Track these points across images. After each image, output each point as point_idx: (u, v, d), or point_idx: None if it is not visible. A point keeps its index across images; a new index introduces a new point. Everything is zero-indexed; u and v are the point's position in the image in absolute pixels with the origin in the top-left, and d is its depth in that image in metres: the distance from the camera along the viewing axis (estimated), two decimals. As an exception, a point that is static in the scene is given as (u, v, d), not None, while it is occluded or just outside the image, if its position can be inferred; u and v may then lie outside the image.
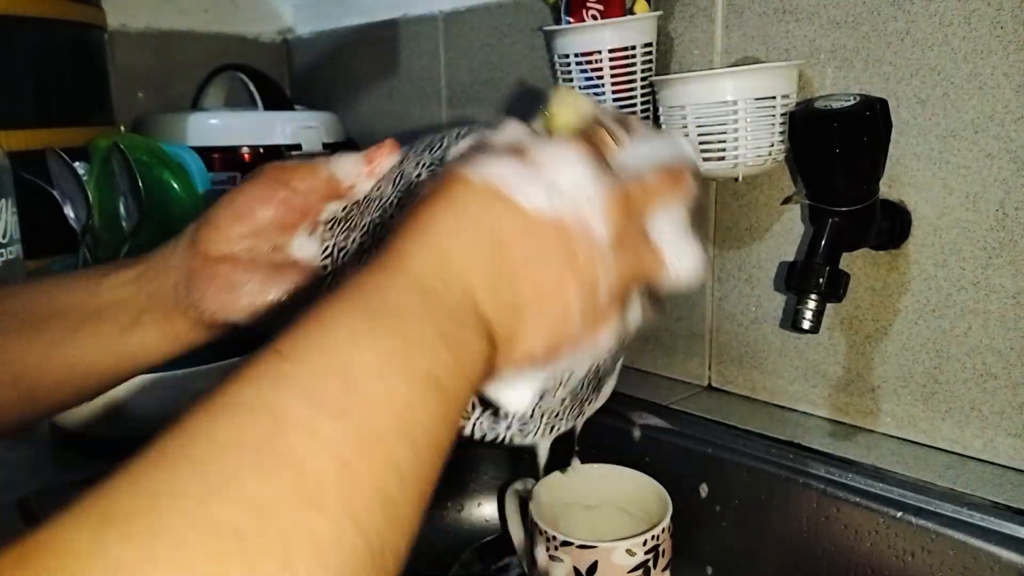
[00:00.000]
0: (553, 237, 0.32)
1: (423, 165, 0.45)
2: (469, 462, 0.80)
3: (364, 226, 0.45)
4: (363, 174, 0.46)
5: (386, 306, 0.28)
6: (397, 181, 0.45)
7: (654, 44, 0.74)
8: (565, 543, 0.55)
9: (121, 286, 0.43)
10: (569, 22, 0.75)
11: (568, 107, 0.41)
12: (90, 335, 0.42)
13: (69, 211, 0.80)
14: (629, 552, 0.55)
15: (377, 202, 0.45)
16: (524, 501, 0.62)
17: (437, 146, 0.46)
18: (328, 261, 0.45)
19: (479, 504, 0.80)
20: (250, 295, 0.43)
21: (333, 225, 0.46)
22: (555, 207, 0.33)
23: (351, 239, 0.45)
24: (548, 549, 0.56)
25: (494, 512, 0.79)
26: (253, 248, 0.44)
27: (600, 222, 0.33)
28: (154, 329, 0.43)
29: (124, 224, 0.82)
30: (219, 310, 0.43)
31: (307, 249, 0.45)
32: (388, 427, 0.25)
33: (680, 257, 0.37)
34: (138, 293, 0.43)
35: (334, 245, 0.45)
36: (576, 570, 0.55)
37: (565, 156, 0.34)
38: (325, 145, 1.07)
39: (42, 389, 0.42)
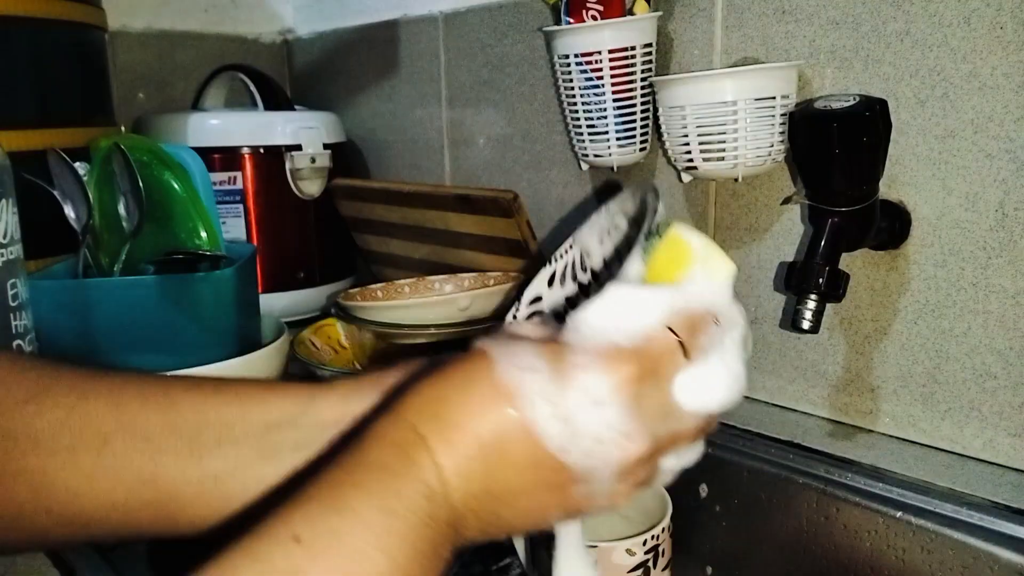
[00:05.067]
0: (551, 476, 0.32)
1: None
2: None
3: None
4: None
5: (399, 501, 0.30)
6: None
7: (654, 44, 0.74)
8: (565, 543, 0.55)
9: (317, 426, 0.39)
10: (569, 22, 0.75)
11: (679, 258, 0.35)
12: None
13: (70, 211, 0.80)
14: (629, 552, 0.55)
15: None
16: (524, 501, 0.62)
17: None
18: None
19: (479, 504, 0.80)
20: None
21: None
22: (565, 448, 0.31)
23: None
24: (548, 549, 0.56)
25: (494, 512, 0.79)
26: None
27: (608, 474, 0.32)
28: None
29: (125, 224, 0.82)
30: None
31: None
32: None
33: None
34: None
35: None
36: (576, 570, 0.55)
37: (601, 387, 0.31)
38: (325, 146, 1.07)
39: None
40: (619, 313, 0.33)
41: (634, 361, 0.32)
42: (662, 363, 0.33)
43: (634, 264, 0.35)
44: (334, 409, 0.39)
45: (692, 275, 0.35)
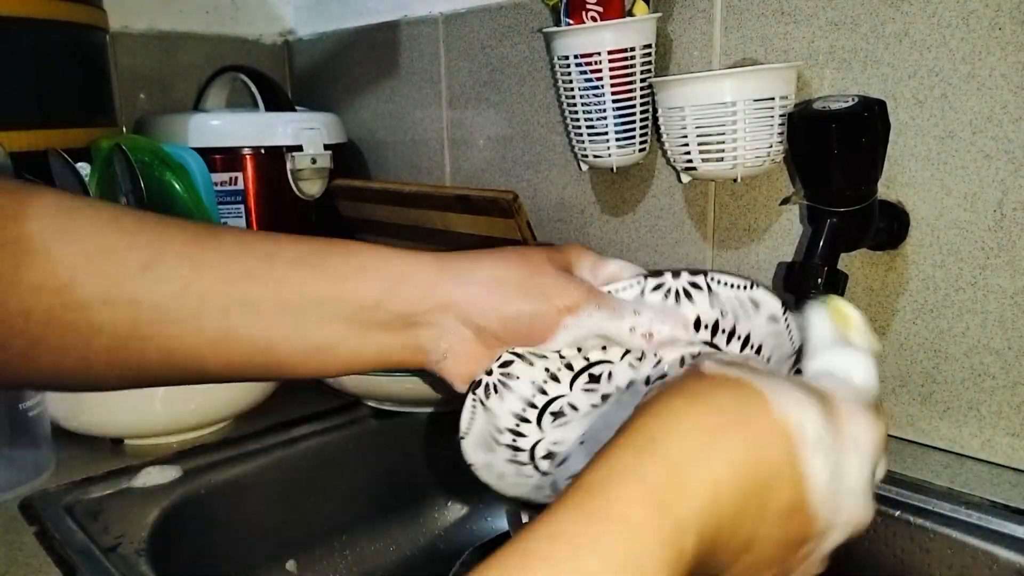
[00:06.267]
0: (797, 530, 0.29)
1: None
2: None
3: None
4: (637, 341, 0.44)
5: (611, 515, 0.26)
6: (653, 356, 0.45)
7: (653, 45, 0.74)
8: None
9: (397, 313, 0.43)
10: (569, 24, 0.75)
11: (843, 328, 0.35)
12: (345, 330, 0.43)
13: (71, 212, 0.80)
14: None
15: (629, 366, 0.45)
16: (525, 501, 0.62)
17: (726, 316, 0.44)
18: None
19: (480, 504, 0.81)
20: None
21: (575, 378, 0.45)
22: (826, 501, 0.29)
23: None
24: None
25: (495, 512, 0.80)
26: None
27: (836, 540, 0.30)
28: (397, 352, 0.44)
29: (126, 225, 0.82)
30: (455, 384, 0.45)
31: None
32: None
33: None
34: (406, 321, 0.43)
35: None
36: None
37: (868, 441, 0.30)
38: (326, 146, 1.07)
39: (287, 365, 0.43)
40: (854, 371, 0.33)
41: (884, 420, 0.31)
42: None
43: (823, 325, 0.35)
44: (416, 293, 0.43)
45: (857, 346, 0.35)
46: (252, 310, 0.41)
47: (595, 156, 0.77)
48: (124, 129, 1.05)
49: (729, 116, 0.65)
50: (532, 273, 0.44)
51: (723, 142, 0.66)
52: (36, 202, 0.38)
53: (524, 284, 0.43)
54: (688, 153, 0.68)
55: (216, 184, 0.98)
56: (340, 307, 0.42)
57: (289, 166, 1.05)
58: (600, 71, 0.72)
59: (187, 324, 0.40)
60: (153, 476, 0.63)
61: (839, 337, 0.35)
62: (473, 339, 0.44)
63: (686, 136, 0.67)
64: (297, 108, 1.12)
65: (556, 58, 0.75)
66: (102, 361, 0.39)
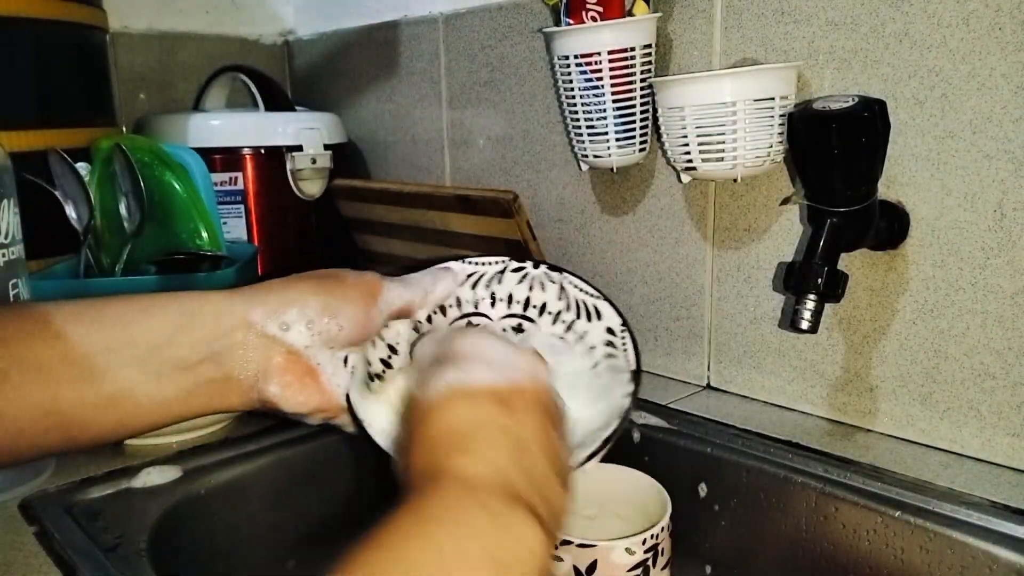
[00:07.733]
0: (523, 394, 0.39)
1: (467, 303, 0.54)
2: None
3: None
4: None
5: (442, 506, 0.34)
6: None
7: (653, 45, 0.74)
8: (564, 542, 0.55)
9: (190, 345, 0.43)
10: (569, 24, 0.75)
11: None
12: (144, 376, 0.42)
13: (71, 212, 0.80)
14: (628, 551, 0.55)
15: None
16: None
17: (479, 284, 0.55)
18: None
19: (479, 504, 0.80)
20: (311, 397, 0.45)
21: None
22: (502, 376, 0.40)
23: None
24: (548, 548, 0.56)
25: (494, 512, 0.79)
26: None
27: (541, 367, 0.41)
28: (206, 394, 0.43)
29: (126, 225, 0.82)
30: (282, 401, 0.44)
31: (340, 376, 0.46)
32: None
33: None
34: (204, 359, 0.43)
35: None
36: (576, 569, 0.55)
37: (480, 339, 0.42)
38: (326, 146, 1.07)
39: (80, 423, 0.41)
40: None
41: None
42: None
43: None
44: (211, 320, 0.43)
45: None
46: (32, 367, 0.39)
47: (595, 156, 0.77)
48: (124, 129, 1.05)
49: (729, 116, 0.65)
50: (324, 277, 0.46)
51: (723, 142, 0.66)
52: None
53: (319, 287, 0.45)
54: (688, 153, 0.68)
55: (216, 184, 0.98)
56: (128, 350, 0.41)
57: (289, 166, 1.05)
58: (600, 71, 0.72)
59: None
60: (153, 476, 0.63)
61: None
62: (285, 355, 0.43)
63: (686, 136, 0.67)
64: (297, 108, 1.12)
65: (556, 58, 0.75)
66: None
